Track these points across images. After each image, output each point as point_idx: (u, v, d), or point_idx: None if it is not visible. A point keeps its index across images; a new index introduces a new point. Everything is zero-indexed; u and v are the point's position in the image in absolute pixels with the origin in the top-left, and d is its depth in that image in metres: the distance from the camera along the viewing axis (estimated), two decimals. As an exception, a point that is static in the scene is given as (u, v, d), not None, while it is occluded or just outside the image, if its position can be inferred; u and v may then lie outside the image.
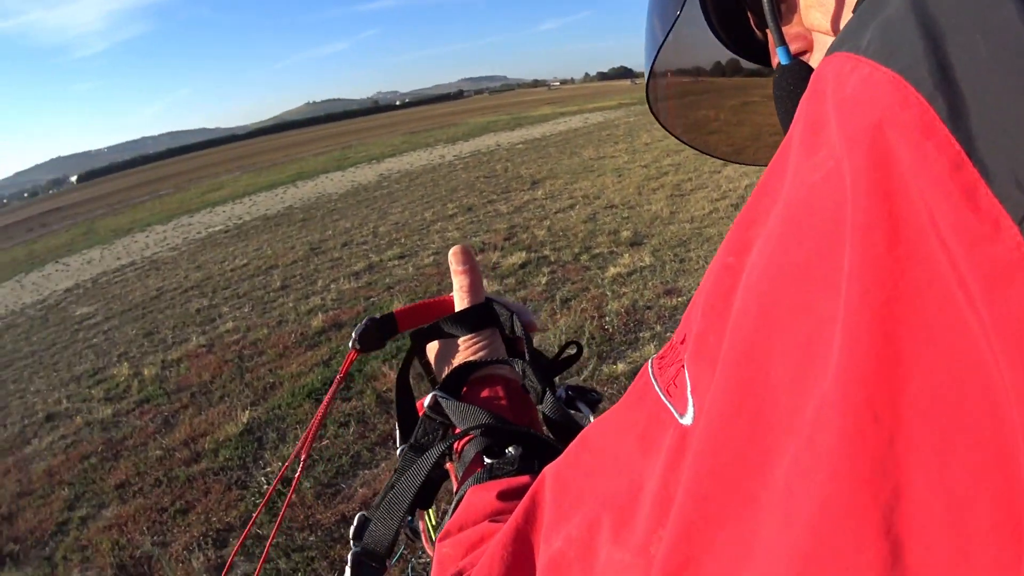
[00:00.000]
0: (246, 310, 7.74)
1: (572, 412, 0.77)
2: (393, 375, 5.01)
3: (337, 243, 10.23)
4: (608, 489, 0.42)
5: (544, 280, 6.87)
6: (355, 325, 0.82)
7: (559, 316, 5.85)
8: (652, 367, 0.43)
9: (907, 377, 0.25)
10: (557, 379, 0.84)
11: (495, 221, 9.95)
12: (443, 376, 0.80)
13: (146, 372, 6.52)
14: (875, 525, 0.24)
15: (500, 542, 0.49)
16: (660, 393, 0.40)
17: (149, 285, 10.31)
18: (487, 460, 0.68)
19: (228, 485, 4.15)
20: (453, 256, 0.84)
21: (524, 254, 7.82)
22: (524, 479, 0.64)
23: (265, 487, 3.97)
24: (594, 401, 0.81)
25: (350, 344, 0.81)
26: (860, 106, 0.29)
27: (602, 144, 18.18)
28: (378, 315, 0.84)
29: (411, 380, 0.86)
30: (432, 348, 0.86)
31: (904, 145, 0.27)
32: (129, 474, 4.57)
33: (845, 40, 0.34)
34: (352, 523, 0.72)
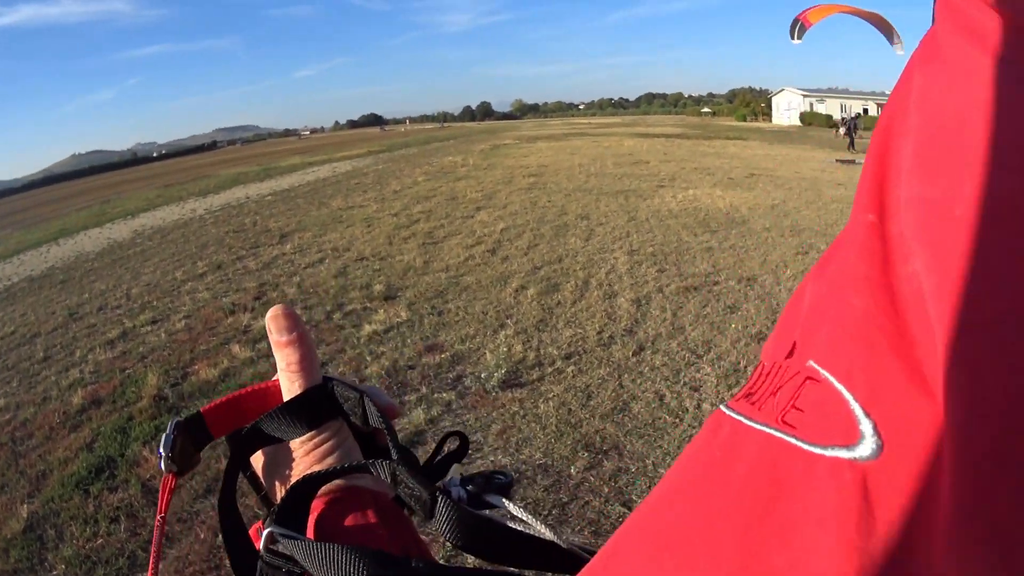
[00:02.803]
0: (14, 385, 6.85)
1: (484, 512, 0.55)
2: (155, 459, 4.55)
3: (93, 307, 9.34)
4: None
5: (297, 343, 6.36)
6: (162, 435, 0.57)
7: (315, 383, 5.38)
8: (739, 413, 0.31)
9: None
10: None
11: (245, 279, 9.43)
12: (279, 496, 0.59)
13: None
14: None
15: None
16: (781, 435, 0.28)
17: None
18: None
19: (21, 596, 3.65)
20: (272, 322, 0.60)
21: (275, 314, 7.25)
22: None
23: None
24: (505, 485, 0.59)
25: (162, 466, 0.57)
26: None
27: (351, 193, 18.07)
28: (181, 417, 0.59)
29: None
30: (258, 456, 0.62)
31: None
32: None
33: None
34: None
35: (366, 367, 5.58)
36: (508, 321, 6.50)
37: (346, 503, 0.57)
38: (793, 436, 0.27)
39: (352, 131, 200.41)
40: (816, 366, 0.28)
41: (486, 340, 6.04)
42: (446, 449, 0.66)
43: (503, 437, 4.29)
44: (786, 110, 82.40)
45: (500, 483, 0.60)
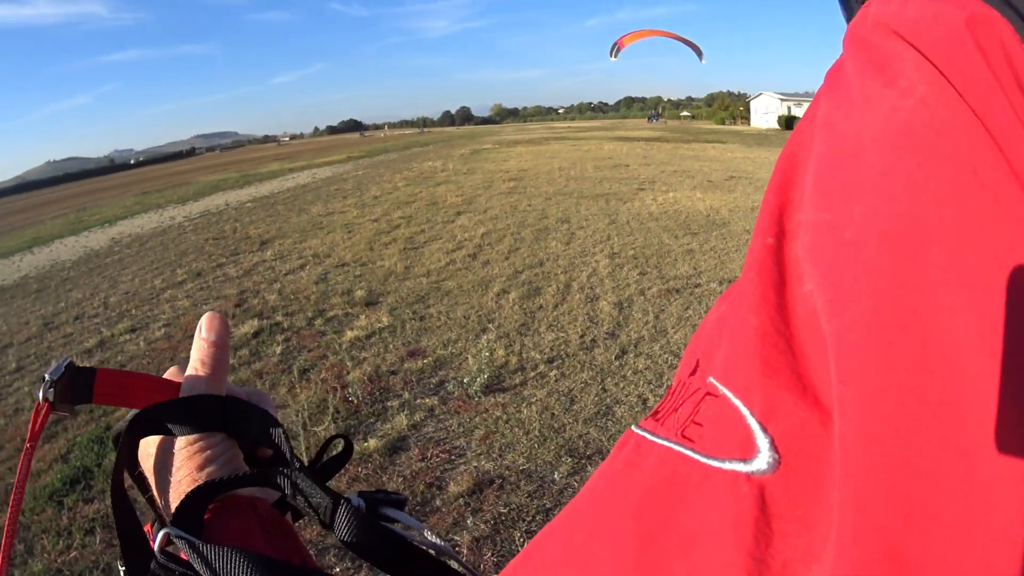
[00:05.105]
0: (-16, 397, 6.80)
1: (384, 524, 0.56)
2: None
3: (70, 316, 9.21)
4: None
5: (279, 349, 6.38)
6: (49, 367, 0.56)
7: (299, 390, 5.38)
8: (644, 429, 0.33)
9: None
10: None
11: (225, 286, 9.37)
12: (168, 497, 0.58)
13: None
14: None
15: None
16: (680, 449, 0.29)
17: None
18: None
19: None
20: (207, 320, 0.62)
21: (256, 322, 7.29)
22: None
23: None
24: (401, 501, 0.62)
25: (40, 392, 0.55)
26: (940, 17, 0.29)
27: (331, 199, 18.01)
28: (77, 363, 0.57)
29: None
30: (148, 455, 0.61)
31: (1006, 39, 0.27)
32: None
33: None
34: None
35: (348, 373, 5.54)
36: (490, 326, 6.49)
37: (228, 511, 0.56)
38: (691, 449, 0.29)
39: (332, 137, 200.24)
40: (715, 382, 0.30)
41: (468, 345, 6.02)
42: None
43: (486, 442, 4.27)
44: (764, 114, 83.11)
45: (397, 499, 0.61)
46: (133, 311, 8.84)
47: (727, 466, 0.27)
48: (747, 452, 0.26)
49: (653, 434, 0.32)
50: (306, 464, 0.64)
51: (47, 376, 0.55)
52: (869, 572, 0.23)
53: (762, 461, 0.26)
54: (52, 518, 4.14)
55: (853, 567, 0.23)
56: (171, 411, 0.58)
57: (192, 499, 0.54)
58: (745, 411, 0.27)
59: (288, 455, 0.59)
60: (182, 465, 0.58)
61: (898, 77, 0.29)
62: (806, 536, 0.25)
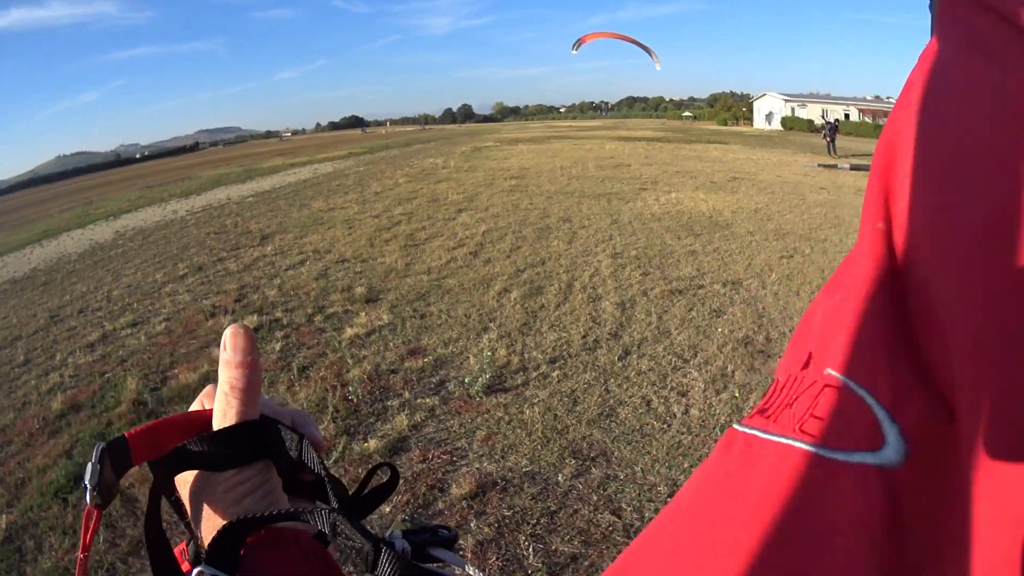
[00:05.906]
0: (-5, 390, 6.85)
1: (428, 566, 0.54)
2: (138, 470, 4.48)
3: (74, 309, 9.31)
4: None
5: (278, 346, 6.37)
6: (86, 465, 0.51)
7: (298, 388, 5.37)
8: (752, 427, 0.32)
9: None
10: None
11: (225, 281, 9.40)
12: (201, 526, 0.55)
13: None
14: None
15: None
16: (800, 444, 0.28)
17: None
18: None
19: (3, 611, 3.54)
20: (231, 338, 0.54)
21: (256, 317, 7.32)
22: None
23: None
24: (449, 540, 0.59)
25: (87, 499, 0.51)
26: None
27: (332, 195, 18.04)
28: (105, 442, 0.52)
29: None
30: (185, 481, 0.57)
31: None
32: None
33: None
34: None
35: (348, 371, 5.51)
36: (491, 324, 6.46)
37: (268, 544, 0.53)
38: (813, 444, 0.27)
39: (333, 133, 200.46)
40: (835, 373, 0.27)
41: (469, 344, 5.99)
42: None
43: (488, 444, 4.23)
44: (767, 114, 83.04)
45: (444, 536, 0.59)
46: (135, 305, 8.87)
47: (854, 459, 0.26)
48: (875, 442, 0.26)
49: (765, 431, 0.31)
50: (348, 493, 0.60)
51: (86, 482, 0.51)
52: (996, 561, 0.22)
53: (891, 451, 0.25)
54: (58, 515, 4.15)
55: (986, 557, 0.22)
56: (203, 449, 0.55)
57: (226, 535, 0.51)
58: (871, 400, 0.26)
59: (328, 487, 0.55)
60: (218, 498, 0.55)
61: (996, 55, 0.28)
62: (934, 532, 0.24)
